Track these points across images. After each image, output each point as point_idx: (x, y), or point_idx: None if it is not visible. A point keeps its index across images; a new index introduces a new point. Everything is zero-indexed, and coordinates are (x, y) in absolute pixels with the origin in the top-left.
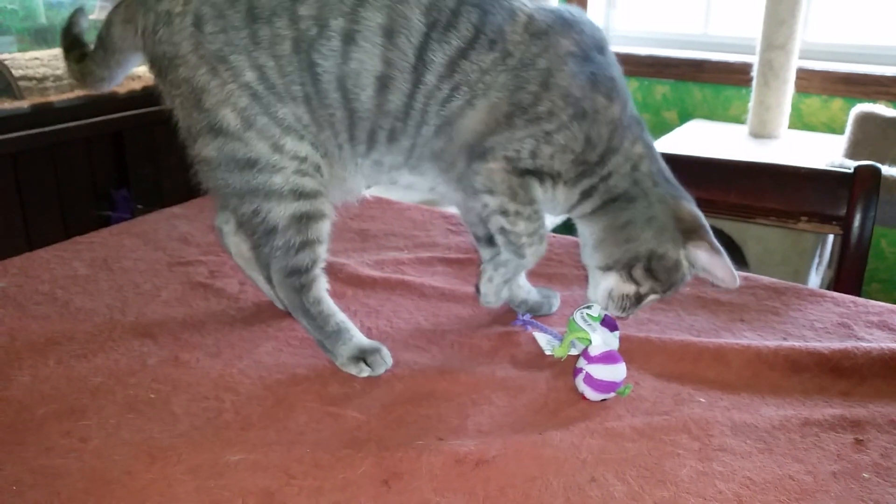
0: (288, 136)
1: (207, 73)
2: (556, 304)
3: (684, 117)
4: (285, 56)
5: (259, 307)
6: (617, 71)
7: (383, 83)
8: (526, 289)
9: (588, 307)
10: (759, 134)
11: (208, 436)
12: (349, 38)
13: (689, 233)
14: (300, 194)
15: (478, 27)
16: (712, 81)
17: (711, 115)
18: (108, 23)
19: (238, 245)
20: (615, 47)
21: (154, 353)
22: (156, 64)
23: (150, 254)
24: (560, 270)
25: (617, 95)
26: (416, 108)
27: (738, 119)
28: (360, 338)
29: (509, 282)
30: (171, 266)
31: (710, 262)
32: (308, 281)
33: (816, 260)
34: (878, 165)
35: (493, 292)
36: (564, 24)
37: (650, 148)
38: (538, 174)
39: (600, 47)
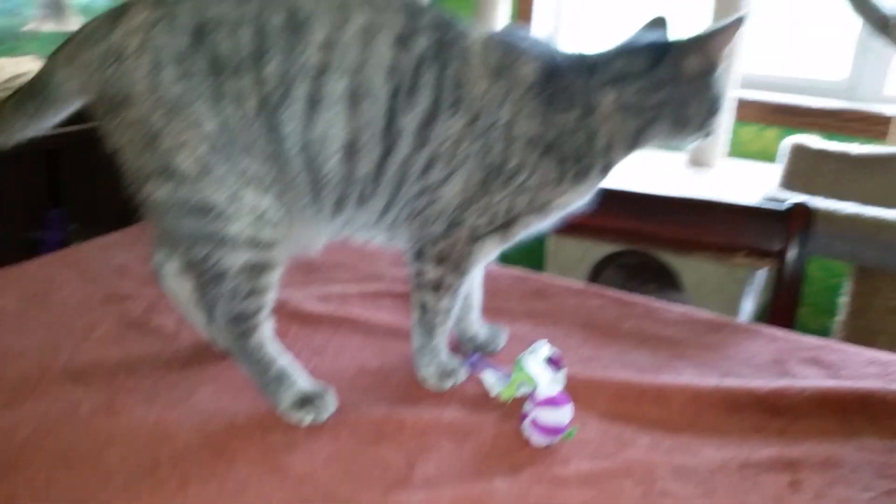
0: (248, 187)
1: (164, 117)
2: (504, 340)
3: None
4: (250, 114)
5: (197, 348)
6: (569, 63)
7: (351, 151)
8: (477, 324)
9: (534, 351)
10: (696, 163)
11: (145, 493)
12: (313, 104)
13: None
14: (255, 244)
15: (438, 87)
16: None
17: None
18: (48, 69)
19: (177, 286)
20: None
21: (87, 399)
22: (102, 103)
23: (83, 287)
24: (505, 304)
25: (576, 102)
26: (389, 174)
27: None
28: (303, 382)
29: (438, 354)
30: (105, 301)
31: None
32: (252, 327)
33: (750, 286)
34: (811, 203)
35: (432, 375)
36: (515, 51)
37: (617, 78)
38: (506, 229)
39: (555, 51)
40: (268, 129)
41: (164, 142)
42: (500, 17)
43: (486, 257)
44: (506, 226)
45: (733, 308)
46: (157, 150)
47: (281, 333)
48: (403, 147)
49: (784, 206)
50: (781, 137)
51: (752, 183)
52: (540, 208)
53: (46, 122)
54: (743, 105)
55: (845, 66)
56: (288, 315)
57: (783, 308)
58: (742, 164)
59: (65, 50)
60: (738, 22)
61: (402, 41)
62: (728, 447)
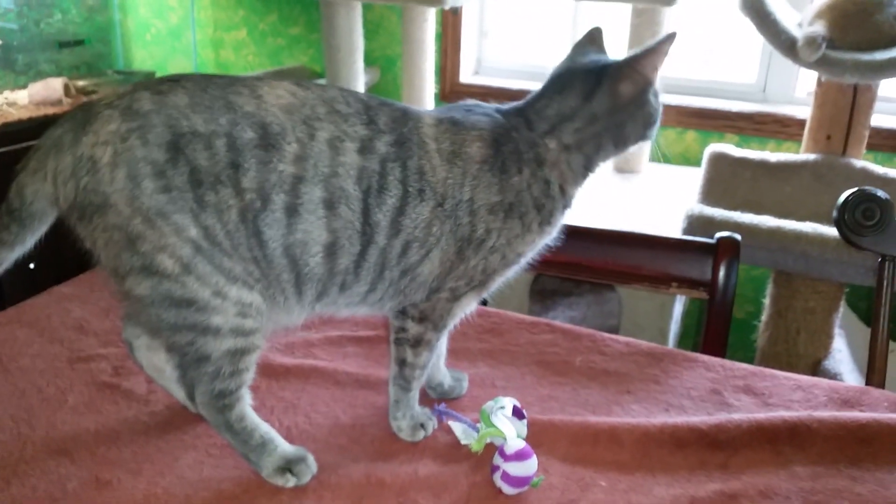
0: (234, 285)
1: (143, 224)
2: (465, 386)
3: None
4: (232, 222)
5: (171, 410)
6: (513, 126)
7: (332, 250)
8: (443, 371)
9: (501, 406)
10: (622, 169)
11: None
12: (292, 212)
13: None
14: (239, 332)
15: (403, 181)
16: None
17: None
18: (17, 189)
19: (150, 359)
20: (488, 79)
21: (73, 474)
22: (75, 210)
23: (47, 348)
24: (464, 345)
25: (525, 161)
26: (369, 263)
27: None
28: (284, 447)
29: (412, 407)
30: (72, 363)
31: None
32: (233, 401)
33: (679, 308)
34: (737, 236)
35: (405, 427)
36: (460, 128)
37: (556, 126)
38: (483, 286)
39: (495, 120)
40: (249, 235)
41: (144, 245)
42: (428, 38)
43: (464, 312)
44: (483, 283)
45: (664, 326)
46: (137, 251)
47: (251, 388)
48: (380, 239)
49: (713, 240)
50: (701, 140)
51: (676, 188)
52: (514, 260)
53: (28, 244)
54: (662, 110)
55: (754, 70)
56: (256, 369)
57: (715, 334)
58: (666, 169)
59: (30, 164)
60: (670, 39)
61: (365, 147)
62: (677, 484)
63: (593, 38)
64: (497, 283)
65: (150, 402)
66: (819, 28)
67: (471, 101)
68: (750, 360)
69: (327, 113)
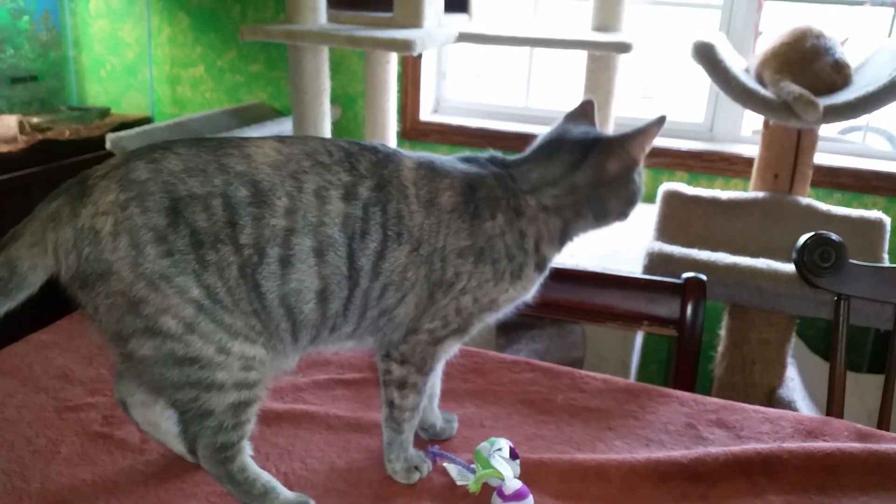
0: (236, 340)
1: (146, 288)
2: (456, 427)
3: None
4: (233, 279)
5: (167, 459)
6: (488, 175)
7: (323, 296)
8: (436, 413)
9: (499, 448)
10: None
11: None
12: (286, 263)
13: (623, 155)
14: (242, 386)
15: (383, 226)
16: None
17: None
18: (8, 259)
19: (145, 415)
20: (447, 118)
21: None
22: (79, 278)
23: (32, 398)
24: (450, 385)
25: (496, 204)
26: (355, 305)
27: None
28: (286, 494)
29: (406, 450)
30: (60, 412)
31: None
32: (234, 453)
33: (639, 340)
34: (703, 277)
35: (400, 470)
36: (436, 174)
37: (539, 186)
38: (462, 329)
39: (466, 161)
40: (249, 289)
41: (147, 308)
42: (390, 79)
43: (447, 355)
44: (462, 327)
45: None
46: (140, 314)
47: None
48: (364, 282)
49: (681, 280)
50: (652, 177)
51: (631, 223)
52: (488, 306)
53: (14, 304)
54: None
55: (701, 111)
56: None
57: (685, 370)
58: None
59: (25, 237)
60: (660, 122)
61: (349, 194)
62: None
63: (585, 111)
64: (477, 327)
65: (145, 452)
66: (795, 87)
67: (484, 154)
68: (707, 389)
69: (312, 165)
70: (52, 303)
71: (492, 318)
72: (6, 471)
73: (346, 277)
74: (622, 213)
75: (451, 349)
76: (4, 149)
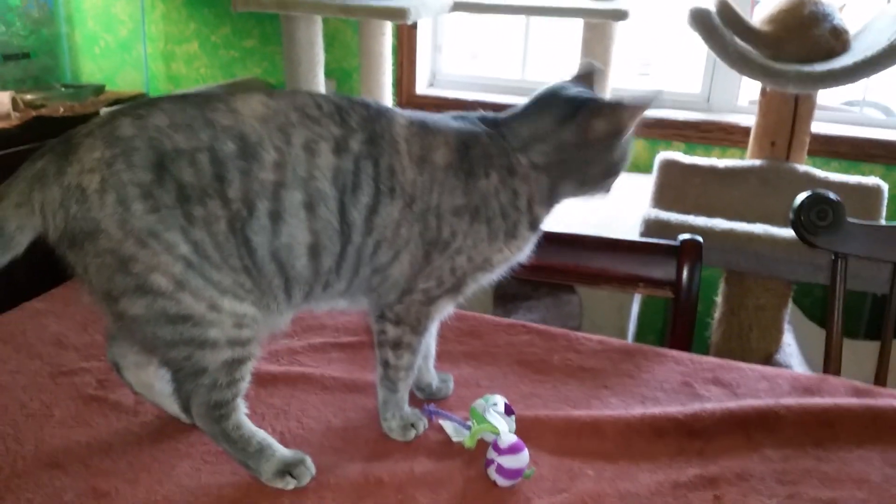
0: (225, 297)
1: (135, 245)
2: (451, 386)
3: None
4: (221, 234)
5: (162, 420)
6: (481, 133)
7: (315, 251)
8: (431, 373)
9: (494, 403)
10: None
11: None
12: (276, 217)
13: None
14: (235, 343)
15: (375, 179)
16: None
17: None
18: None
19: (138, 376)
20: (443, 91)
21: (69, 486)
22: (68, 237)
23: (26, 363)
24: (445, 348)
25: (489, 162)
26: (347, 262)
27: None
28: (281, 451)
29: (402, 408)
30: (54, 377)
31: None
32: (229, 411)
33: (636, 308)
34: (699, 239)
35: (396, 427)
36: (429, 131)
37: (529, 141)
38: (456, 288)
39: (464, 127)
40: (239, 245)
41: (137, 266)
42: (385, 52)
43: (441, 315)
44: (456, 287)
45: (624, 316)
46: (131, 272)
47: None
48: (356, 238)
49: (676, 242)
50: (649, 148)
51: (628, 193)
52: (482, 265)
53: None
54: None
55: (698, 81)
56: None
57: (681, 331)
58: None
59: (12, 196)
60: (655, 96)
61: (340, 147)
62: (659, 471)
63: (587, 74)
64: (471, 287)
65: (140, 413)
66: None
67: (474, 114)
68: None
69: (300, 118)
70: (47, 273)
71: (486, 279)
72: (0, 433)
73: (337, 232)
74: (603, 184)
75: (446, 309)
76: None
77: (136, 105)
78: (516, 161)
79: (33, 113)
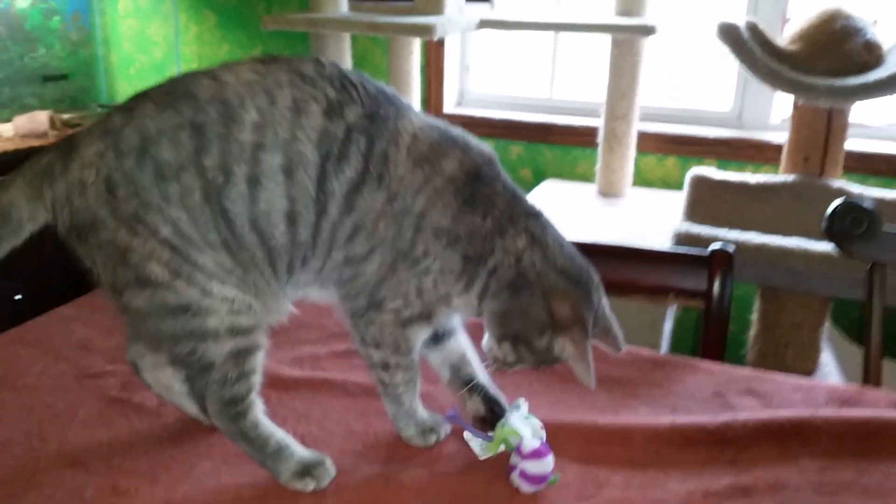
0: (212, 280)
1: (128, 233)
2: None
3: (538, 175)
4: (196, 207)
5: (183, 422)
6: (501, 183)
7: (292, 218)
8: (473, 365)
9: (517, 406)
10: (606, 193)
11: None
12: (254, 182)
13: (560, 328)
14: (236, 332)
15: (366, 157)
16: (560, 143)
17: (561, 174)
18: (9, 203)
19: (156, 377)
20: (471, 110)
21: (90, 483)
22: (74, 231)
23: (52, 366)
24: None
25: (493, 208)
26: (322, 237)
27: (586, 177)
28: (301, 452)
29: (414, 416)
30: (79, 379)
31: (571, 358)
32: (245, 408)
33: (669, 326)
34: (730, 248)
35: (414, 434)
36: (449, 141)
37: (537, 240)
38: (426, 315)
39: (489, 161)
40: (215, 215)
41: (133, 256)
42: (413, 71)
43: (420, 339)
44: (426, 314)
45: (656, 331)
46: (129, 263)
47: (263, 401)
48: (333, 211)
49: (707, 252)
50: (681, 165)
51: (660, 210)
52: (444, 299)
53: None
54: (643, 137)
55: (730, 99)
56: (265, 381)
57: (713, 341)
58: (647, 193)
59: (24, 187)
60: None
61: (332, 110)
62: (690, 479)
63: None
64: (443, 314)
65: (162, 415)
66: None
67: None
68: None
69: (291, 79)
70: (82, 283)
71: (453, 315)
72: (25, 432)
73: (313, 200)
74: (514, 348)
75: (422, 334)
76: (36, 143)
77: (129, 98)
78: (514, 233)
79: (69, 131)
